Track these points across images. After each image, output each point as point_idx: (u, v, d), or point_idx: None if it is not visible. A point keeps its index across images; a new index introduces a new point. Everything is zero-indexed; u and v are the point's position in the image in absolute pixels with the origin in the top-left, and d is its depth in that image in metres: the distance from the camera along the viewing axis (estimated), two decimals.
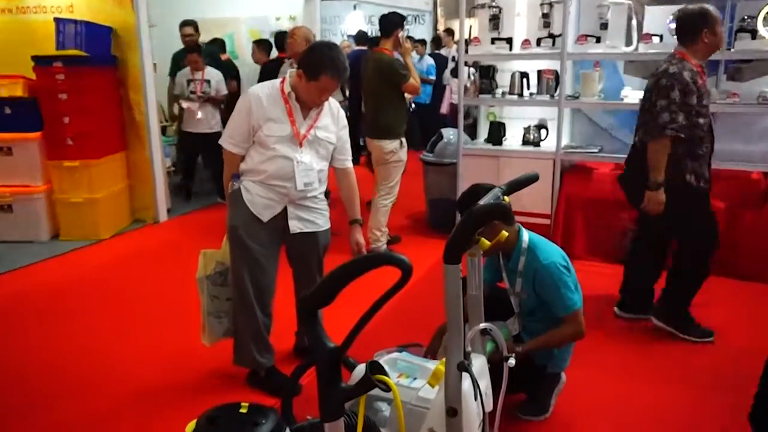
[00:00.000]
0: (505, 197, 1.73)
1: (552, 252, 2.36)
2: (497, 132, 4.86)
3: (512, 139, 4.96)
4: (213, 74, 6.07)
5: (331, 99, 2.78)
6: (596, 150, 4.59)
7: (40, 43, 5.02)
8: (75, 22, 5.02)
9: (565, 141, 4.79)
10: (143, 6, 5.22)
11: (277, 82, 2.71)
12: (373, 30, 10.05)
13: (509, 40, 4.63)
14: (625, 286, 3.56)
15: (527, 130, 4.78)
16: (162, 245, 5.06)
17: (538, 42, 4.56)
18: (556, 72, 4.54)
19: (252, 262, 2.70)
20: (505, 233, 1.86)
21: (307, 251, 2.85)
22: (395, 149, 4.56)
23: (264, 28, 7.73)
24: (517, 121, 5.07)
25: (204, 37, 7.73)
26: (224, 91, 6.11)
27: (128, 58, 5.34)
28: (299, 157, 2.64)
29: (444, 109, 8.74)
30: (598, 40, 4.40)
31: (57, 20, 5.00)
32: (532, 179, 1.95)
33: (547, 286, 2.31)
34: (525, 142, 4.79)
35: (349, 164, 2.89)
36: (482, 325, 1.74)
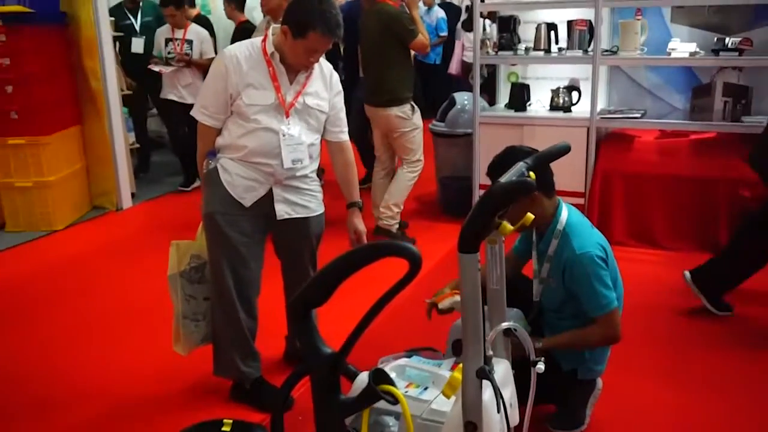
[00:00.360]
0: (531, 173, 1.73)
1: (589, 240, 2.35)
2: (520, 95, 4.85)
3: (538, 104, 4.95)
4: (197, 33, 6.04)
5: (322, 60, 2.77)
6: (638, 115, 4.57)
7: None
8: None
9: (601, 105, 4.77)
10: None
11: (257, 40, 2.69)
12: None
13: None
14: (715, 264, 3.60)
15: (555, 92, 4.77)
16: (126, 236, 5.08)
17: None
18: (590, 22, 4.51)
19: (233, 254, 2.71)
20: (530, 216, 1.86)
21: (297, 241, 2.86)
22: (406, 115, 4.57)
23: None
24: (543, 81, 5.06)
25: None
26: (210, 53, 6.02)
27: (80, 14, 5.32)
28: (286, 129, 2.63)
29: (453, 69, 8.66)
30: None
31: None
32: (563, 151, 1.95)
33: (579, 280, 2.32)
34: (553, 107, 4.79)
35: (345, 137, 2.88)
36: (505, 324, 1.75)
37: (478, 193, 4.94)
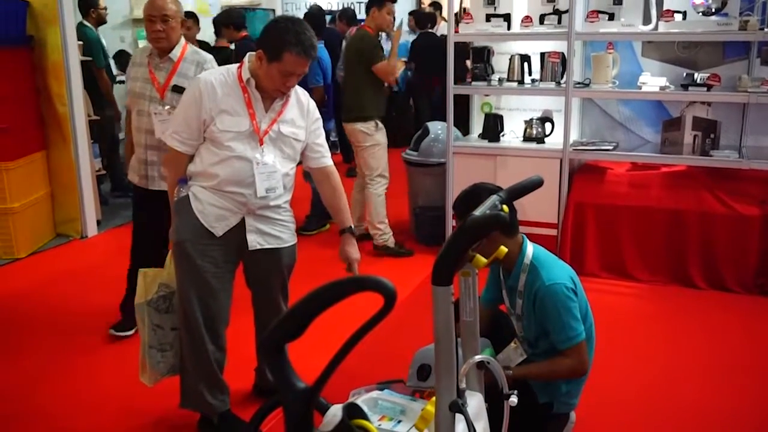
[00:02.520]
0: (504, 206, 1.77)
1: (558, 272, 2.41)
2: (493, 126, 4.94)
3: (511, 135, 5.03)
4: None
5: (298, 88, 2.80)
6: (611, 147, 4.68)
7: None
8: None
9: (573, 136, 4.88)
10: None
11: (233, 67, 2.73)
12: (343, 4, 10.13)
13: (507, 17, 4.72)
14: None
15: (529, 123, 4.87)
16: (91, 265, 5.02)
17: (542, 19, 4.66)
18: (563, 55, 4.63)
19: (202, 284, 2.70)
20: (504, 249, 1.90)
21: (268, 272, 2.87)
22: (369, 130, 5.01)
23: (212, 1, 7.75)
24: (517, 113, 5.16)
25: (136, 12, 7.81)
26: None
27: (47, 38, 5.30)
28: (260, 157, 2.65)
29: None
30: (612, 17, 4.51)
31: None
32: (535, 184, 2.00)
33: (548, 312, 2.37)
34: (527, 138, 4.87)
35: (329, 161, 2.89)
36: (478, 357, 1.77)
37: (451, 223, 4.99)
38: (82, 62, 5.72)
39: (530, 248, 2.50)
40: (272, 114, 2.69)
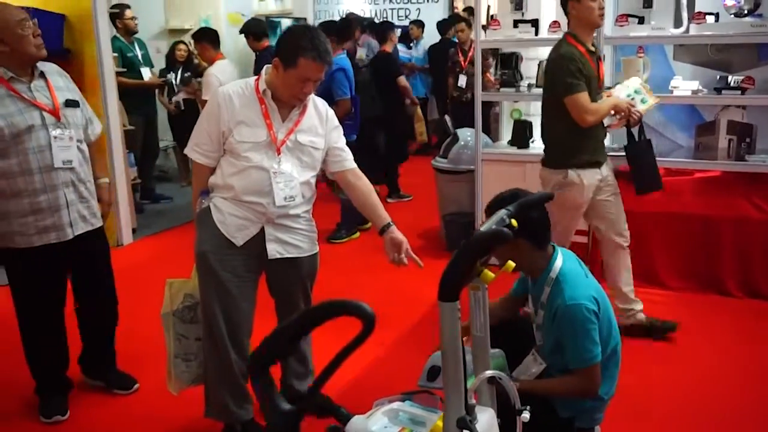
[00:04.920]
0: (513, 221, 1.75)
1: (581, 291, 2.36)
2: (522, 132, 4.89)
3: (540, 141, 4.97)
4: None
5: (315, 97, 2.83)
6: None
7: None
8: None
9: (606, 142, 4.79)
10: None
11: (251, 79, 2.77)
12: (377, 11, 10.19)
13: (535, 22, 4.67)
14: None
15: None
16: (125, 273, 5.06)
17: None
18: None
19: (224, 294, 2.74)
20: (511, 264, 1.88)
21: (289, 281, 2.89)
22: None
23: (245, 10, 7.84)
24: None
25: (172, 22, 7.97)
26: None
27: (83, 51, 5.44)
28: (277, 167, 2.68)
29: None
30: (642, 20, 4.43)
31: None
32: (545, 198, 1.98)
33: (566, 331, 2.34)
34: None
35: (351, 164, 2.88)
36: (489, 372, 1.76)
37: None
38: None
39: (559, 261, 2.46)
40: (289, 124, 2.71)
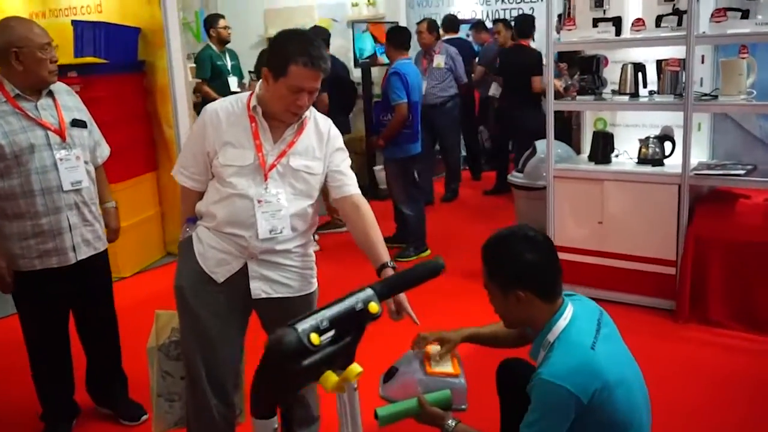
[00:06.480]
0: (373, 305, 1.33)
1: (570, 369, 1.83)
2: (602, 145, 4.30)
3: (625, 156, 4.37)
4: None
5: (318, 115, 2.50)
6: (742, 171, 3.88)
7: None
8: (94, 24, 5.19)
9: (702, 157, 4.14)
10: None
11: (245, 95, 2.47)
12: (489, 12, 9.69)
13: (617, 21, 4.07)
14: None
15: (644, 142, 4.18)
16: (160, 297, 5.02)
17: (658, 21, 3.97)
18: (684, 62, 3.90)
19: (202, 335, 2.47)
20: (333, 378, 1.37)
21: (281, 322, 2.54)
22: None
23: (338, 15, 7.67)
24: (635, 129, 4.48)
25: (271, 31, 7.96)
26: None
27: (156, 62, 5.45)
28: (263, 195, 2.37)
29: None
30: (745, 14, 3.73)
31: (75, 23, 5.22)
32: (429, 273, 1.58)
33: (531, 402, 1.86)
34: (641, 159, 4.19)
35: (353, 190, 2.50)
36: None
37: None
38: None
39: (563, 321, 1.95)
40: (282, 145, 2.39)
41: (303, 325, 1.18)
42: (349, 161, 2.56)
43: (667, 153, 4.13)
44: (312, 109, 2.47)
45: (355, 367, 1.27)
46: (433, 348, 2.23)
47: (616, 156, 4.37)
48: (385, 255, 2.42)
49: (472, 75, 7.45)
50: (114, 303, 3.26)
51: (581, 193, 4.23)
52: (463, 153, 8.34)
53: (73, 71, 5.04)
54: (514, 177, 4.96)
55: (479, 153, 8.18)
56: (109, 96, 5.16)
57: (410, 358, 2.14)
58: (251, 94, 2.42)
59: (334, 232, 5.86)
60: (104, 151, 3.19)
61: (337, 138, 2.51)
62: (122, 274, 5.23)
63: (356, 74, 7.47)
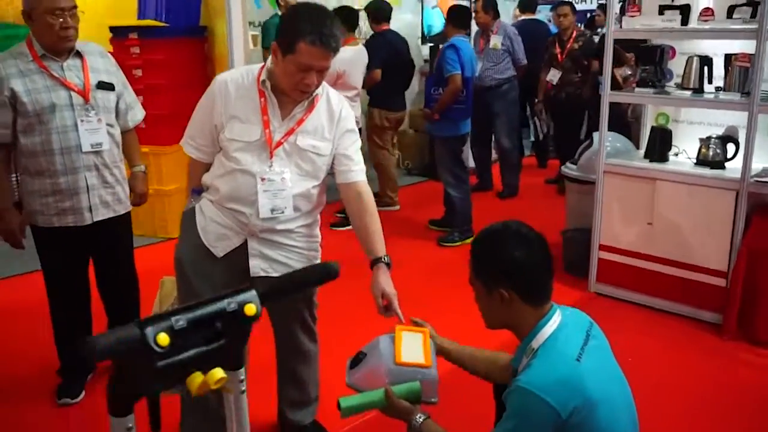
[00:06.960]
0: (250, 306, 1.26)
1: (552, 376, 1.69)
2: (659, 142, 4.02)
3: (684, 155, 4.08)
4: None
5: (331, 92, 2.41)
6: None
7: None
8: None
9: (766, 162, 3.81)
10: None
11: (255, 67, 2.41)
12: None
13: (684, 9, 3.77)
14: None
15: (705, 142, 3.88)
16: None
17: (730, 12, 3.65)
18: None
19: None
20: (197, 381, 1.26)
21: (280, 306, 2.52)
22: None
23: None
24: (699, 127, 4.18)
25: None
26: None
27: (215, 29, 5.47)
28: (267, 173, 2.31)
29: None
30: None
31: None
32: (318, 276, 1.53)
33: (507, 408, 1.74)
34: (700, 160, 3.89)
35: (358, 176, 2.43)
36: None
37: (597, 255, 4.20)
38: None
39: (549, 329, 1.82)
40: (290, 122, 2.33)
41: (152, 324, 1.11)
42: (359, 144, 2.47)
43: (729, 155, 3.82)
44: (325, 85, 2.39)
45: (217, 372, 1.20)
46: (405, 334, 2.08)
47: (675, 155, 4.09)
48: (380, 249, 2.35)
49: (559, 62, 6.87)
50: (134, 265, 3.31)
51: (632, 190, 3.98)
52: (532, 138, 8.06)
53: (134, 33, 5.13)
54: (568, 168, 4.72)
55: (544, 139, 7.85)
56: (168, 60, 5.23)
57: (379, 344, 2.03)
58: (262, 67, 2.36)
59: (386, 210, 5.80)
60: (137, 114, 3.21)
61: (348, 119, 2.43)
62: (170, 235, 5.35)
63: (424, 51, 7.28)
